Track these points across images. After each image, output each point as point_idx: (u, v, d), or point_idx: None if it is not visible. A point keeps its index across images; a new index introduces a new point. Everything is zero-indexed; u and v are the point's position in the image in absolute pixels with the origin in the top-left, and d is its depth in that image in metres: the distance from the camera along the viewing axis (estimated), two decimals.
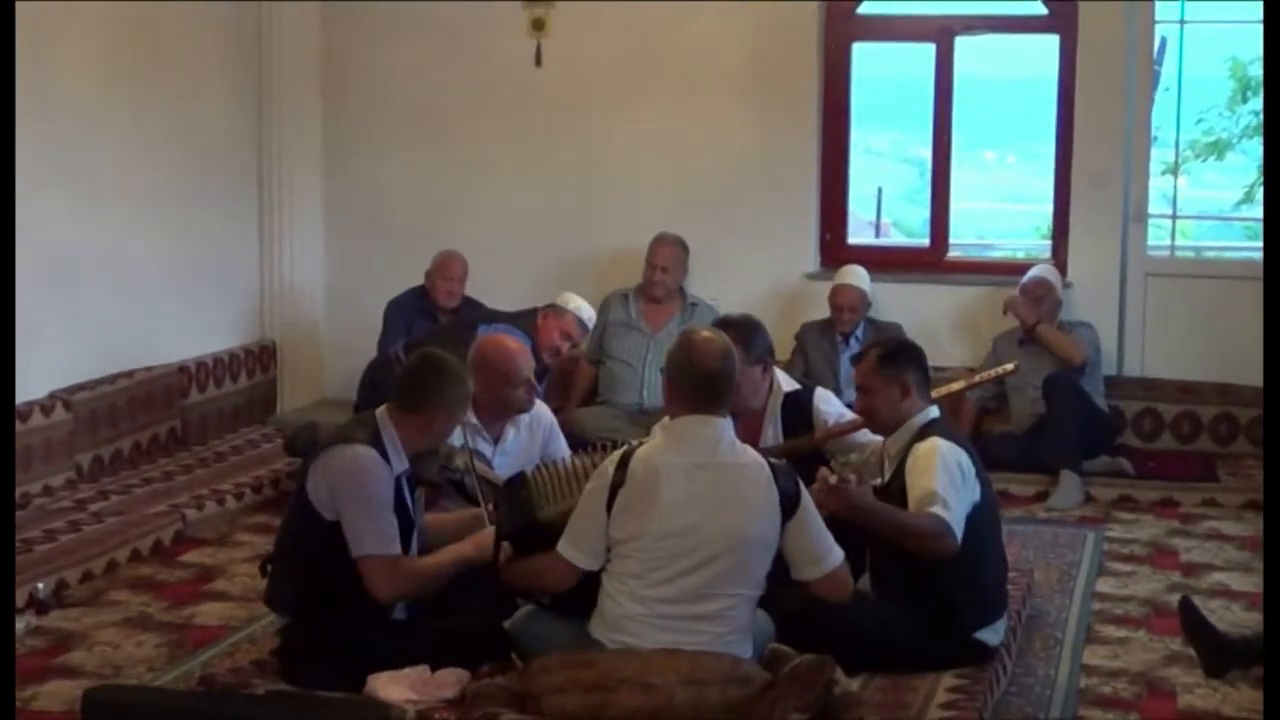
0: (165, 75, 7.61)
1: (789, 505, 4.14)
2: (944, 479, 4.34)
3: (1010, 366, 5.93)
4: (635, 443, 4.29)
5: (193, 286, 7.87)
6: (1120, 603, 5.47)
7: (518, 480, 4.43)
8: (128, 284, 7.29)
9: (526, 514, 4.32)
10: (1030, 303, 7.41)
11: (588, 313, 7.20)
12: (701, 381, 4.19)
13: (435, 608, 4.49)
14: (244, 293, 8.42)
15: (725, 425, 4.21)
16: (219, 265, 8.17)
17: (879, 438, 4.94)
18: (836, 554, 4.21)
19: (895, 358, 4.71)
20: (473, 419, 5.17)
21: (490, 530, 4.49)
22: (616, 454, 4.20)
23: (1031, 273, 7.58)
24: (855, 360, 4.90)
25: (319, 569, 4.30)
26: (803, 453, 5.28)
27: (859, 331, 7.59)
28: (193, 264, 7.89)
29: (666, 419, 4.27)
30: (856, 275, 7.67)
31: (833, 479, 4.28)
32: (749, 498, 4.11)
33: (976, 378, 6.00)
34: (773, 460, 4.27)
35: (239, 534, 6.36)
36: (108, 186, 7.15)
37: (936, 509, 4.28)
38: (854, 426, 5.26)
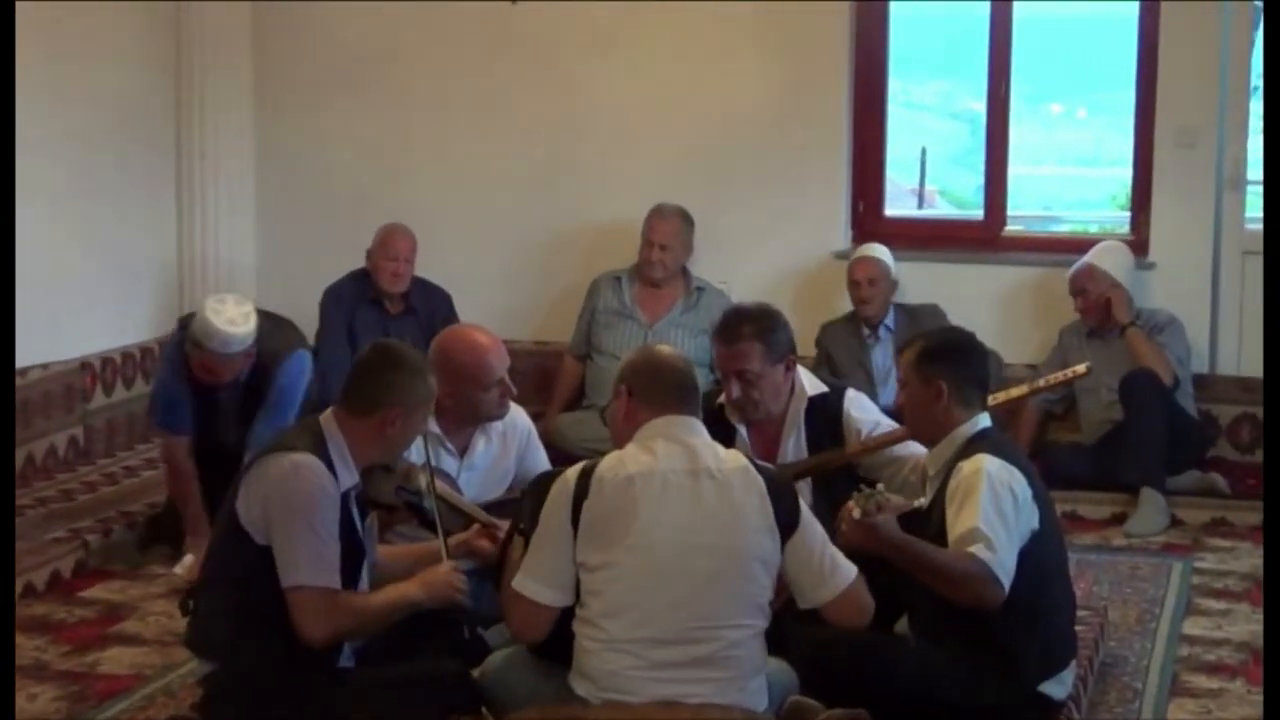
0: (63, 19, 7.60)
1: (787, 521, 4.16)
2: (989, 511, 4.33)
3: (1082, 368, 5.90)
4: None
5: (98, 268, 7.88)
6: (1212, 647, 5.50)
7: (550, 476, 4.47)
8: (20, 265, 7.29)
9: None
10: (1078, 299, 7.44)
11: (217, 336, 6.00)
12: (674, 379, 4.29)
13: (391, 651, 4.50)
14: (159, 276, 8.43)
15: (703, 428, 4.28)
16: (129, 243, 8.18)
17: (921, 450, 4.95)
18: (847, 570, 4.24)
19: (937, 355, 4.71)
20: (434, 428, 5.18)
21: (444, 567, 4.52)
22: (578, 465, 4.23)
23: (1081, 259, 7.58)
24: (901, 350, 4.91)
25: (251, 604, 4.30)
26: (832, 469, 5.30)
27: (889, 320, 7.65)
28: (98, 241, 7.90)
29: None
30: (873, 248, 7.82)
31: (857, 513, 4.27)
32: (741, 508, 4.13)
33: (1041, 382, 5.96)
34: (762, 465, 4.30)
35: (153, 564, 6.36)
36: None
37: (978, 549, 4.28)
38: (893, 439, 5.26)
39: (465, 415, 5.31)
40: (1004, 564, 4.27)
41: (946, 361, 4.69)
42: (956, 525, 4.35)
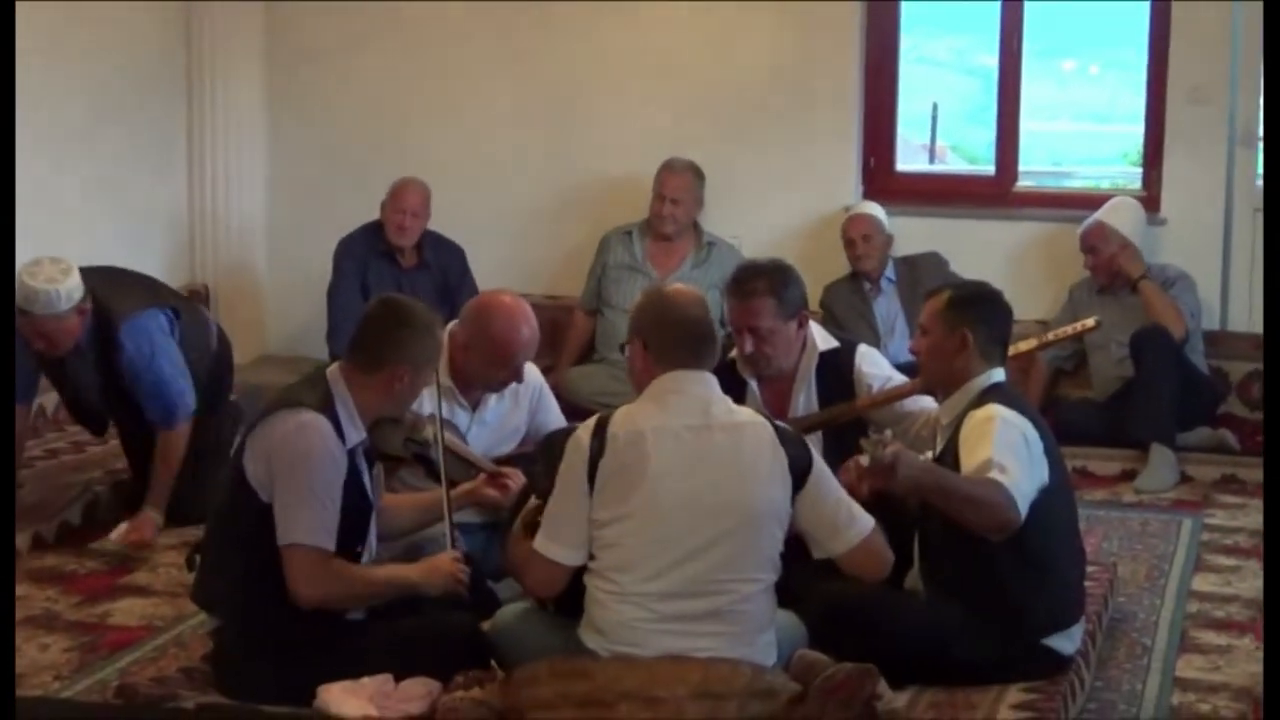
0: None
1: (800, 471, 4.17)
2: (1002, 446, 4.33)
3: (1091, 322, 5.94)
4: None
5: (107, 221, 7.86)
6: (1222, 604, 5.49)
7: (562, 434, 4.44)
8: (26, 218, 7.26)
9: None
10: (1089, 256, 7.42)
11: (40, 297, 5.62)
12: (686, 331, 4.24)
13: (401, 604, 4.49)
14: (170, 229, 8.41)
15: (715, 382, 4.25)
16: (139, 196, 8.15)
17: (933, 404, 4.95)
18: (864, 521, 4.24)
19: (965, 306, 4.71)
20: (446, 380, 5.16)
21: (446, 556, 4.51)
22: (590, 420, 4.21)
23: (1092, 217, 7.55)
24: (928, 296, 4.90)
25: (257, 560, 4.29)
26: (842, 423, 5.29)
27: (890, 272, 7.66)
28: (107, 194, 7.88)
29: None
30: (866, 206, 7.88)
31: (864, 459, 4.24)
32: (753, 462, 4.13)
33: (1049, 336, 6.01)
34: (773, 419, 4.29)
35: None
36: None
37: (994, 474, 4.27)
38: (903, 392, 5.25)
39: (478, 379, 5.30)
40: (1020, 488, 4.26)
41: (974, 311, 4.70)
42: (969, 461, 4.33)
